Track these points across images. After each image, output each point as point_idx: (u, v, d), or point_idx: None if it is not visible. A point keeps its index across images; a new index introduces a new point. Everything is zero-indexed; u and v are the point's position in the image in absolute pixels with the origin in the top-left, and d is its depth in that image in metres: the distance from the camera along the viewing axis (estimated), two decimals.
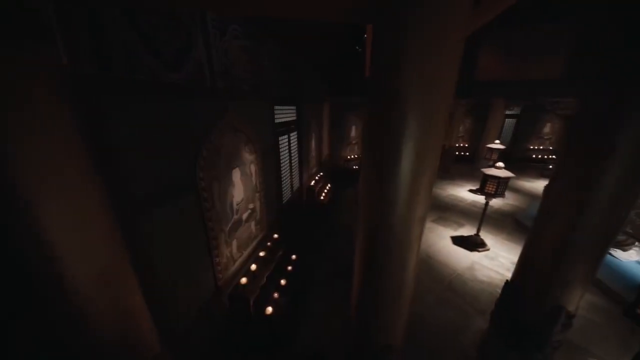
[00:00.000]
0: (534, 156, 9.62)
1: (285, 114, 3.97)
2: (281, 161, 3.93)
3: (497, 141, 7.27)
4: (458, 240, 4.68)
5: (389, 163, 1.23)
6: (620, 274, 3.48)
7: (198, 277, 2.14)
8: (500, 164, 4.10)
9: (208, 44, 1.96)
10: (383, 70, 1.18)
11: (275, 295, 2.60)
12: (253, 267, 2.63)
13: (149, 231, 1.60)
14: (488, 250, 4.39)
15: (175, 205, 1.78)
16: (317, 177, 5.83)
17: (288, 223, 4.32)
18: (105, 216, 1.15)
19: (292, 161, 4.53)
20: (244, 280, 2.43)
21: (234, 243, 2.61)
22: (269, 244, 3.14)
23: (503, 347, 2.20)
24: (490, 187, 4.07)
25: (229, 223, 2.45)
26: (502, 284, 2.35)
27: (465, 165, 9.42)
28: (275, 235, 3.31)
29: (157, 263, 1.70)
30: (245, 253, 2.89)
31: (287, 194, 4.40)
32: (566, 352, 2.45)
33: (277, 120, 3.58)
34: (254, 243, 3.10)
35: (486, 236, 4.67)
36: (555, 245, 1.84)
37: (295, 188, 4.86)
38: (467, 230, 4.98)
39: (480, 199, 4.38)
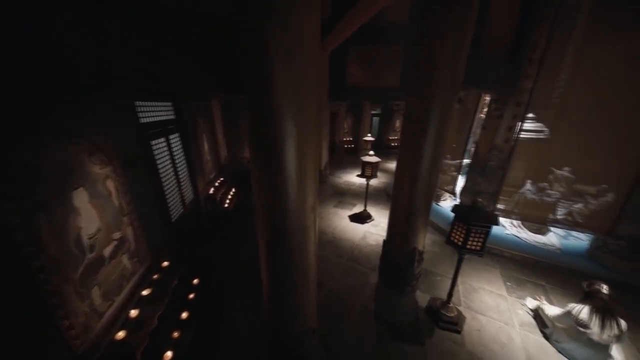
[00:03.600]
0: (393, 144, 12.88)
1: (157, 112, 3.27)
2: (160, 170, 3.23)
3: (369, 134, 9.17)
4: (353, 218, 5.59)
5: (274, 160, 1.28)
6: (443, 216, 5.32)
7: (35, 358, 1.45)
8: (372, 152, 5.21)
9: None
10: (255, 70, 1.20)
11: (176, 334, 2.16)
12: (134, 312, 2.06)
13: None
14: (373, 220, 5.52)
15: None
16: (217, 184, 5.24)
17: (185, 243, 3.67)
18: None
19: (179, 169, 3.83)
20: (121, 334, 1.86)
21: (96, 291, 1.94)
22: (155, 276, 2.55)
23: (388, 291, 2.87)
24: (367, 171, 5.09)
25: (79, 267, 1.78)
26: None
27: (353, 156, 11.37)
28: (165, 263, 2.73)
29: None
30: (120, 298, 2.22)
31: (177, 209, 3.70)
32: (423, 278, 3.52)
33: (143, 120, 2.90)
34: (133, 281, 2.43)
35: (371, 209, 5.83)
36: (405, 205, 2.56)
37: (188, 200, 4.16)
38: (358, 208, 6.01)
39: (364, 181, 5.38)
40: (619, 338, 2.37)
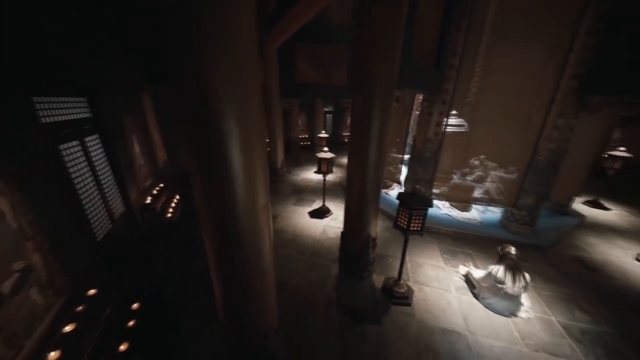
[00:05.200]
0: (346, 140, 13.49)
1: (65, 110, 2.71)
2: (75, 180, 2.71)
3: (324, 131, 9.40)
4: (313, 214, 5.70)
5: (217, 161, 1.21)
6: (392, 204, 5.85)
7: None
8: (326, 148, 5.36)
9: None
10: (186, 63, 1.10)
11: None
12: (54, 355, 1.72)
13: None
14: (332, 214, 5.72)
15: None
16: (155, 191, 4.64)
17: (119, 264, 3.17)
18: None
19: (101, 177, 3.26)
20: None
21: None
22: (80, 308, 2.14)
23: (348, 279, 3.04)
24: (323, 167, 5.23)
25: None
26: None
27: (310, 153, 11.46)
28: (92, 291, 2.32)
29: None
30: (32, 341, 1.81)
31: (103, 226, 3.16)
32: (378, 262, 3.82)
33: (47, 120, 2.38)
34: (49, 318, 2.00)
35: (330, 204, 6.02)
36: (357, 197, 2.73)
37: (118, 213, 3.59)
38: (317, 204, 6.14)
39: (322, 177, 5.50)
40: (525, 288, 3.01)
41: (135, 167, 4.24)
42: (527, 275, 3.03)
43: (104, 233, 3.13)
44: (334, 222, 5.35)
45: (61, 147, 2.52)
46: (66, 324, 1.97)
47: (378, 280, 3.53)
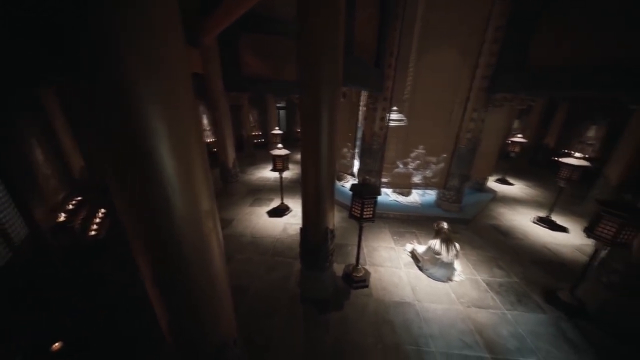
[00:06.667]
0: None
1: None
2: None
3: (277, 128, 9.21)
4: (272, 213, 5.59)
5: (144, 166, 1.09)
6: (347, 196, 6.14)
7: None
8: (280, 145, 5.28)
9: None
10: (93, 51, 0.94)
11: None
12: None
13: None
14: (292, 211, 5.71)
15: None
16: (71, 206, 3.85)
17: (31, 298, 2.57)
18: None
19: None
20: None
21: None
22: None
23: (309, 272, 3.12)
24: (278, 164, 5.15)
25: None
26: None
27: (264, 150, 11.06)
28: None
29: None
30: None
31: None
32: (338, 251, 4.01)
33: None
34: None
35: (288, 201, 5.99)
36: (313, 191, 2.80)
37: (19, 237, 2.88)
38: (276, 202, 6.04)
39: (278, 174, 5.39)
40: (456, 256, 3.58)
41: (39, 179, 3.43)
42: (457, 245, 3.61)
43: (2, 264, 2.48)
44: (294, 219, 5.36)
45: None
46: None
47: (339, 268, 3.71)
